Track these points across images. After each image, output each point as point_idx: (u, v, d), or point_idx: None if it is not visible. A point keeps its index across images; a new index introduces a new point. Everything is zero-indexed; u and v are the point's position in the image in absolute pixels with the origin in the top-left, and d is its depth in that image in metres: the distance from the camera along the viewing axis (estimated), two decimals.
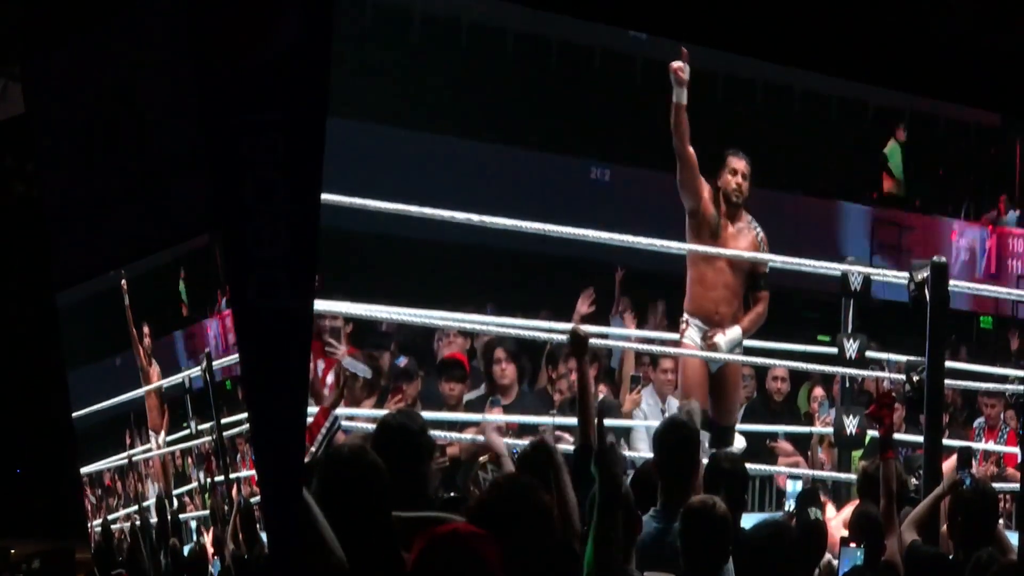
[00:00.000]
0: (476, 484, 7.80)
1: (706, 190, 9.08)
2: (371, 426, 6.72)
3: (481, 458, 8.00)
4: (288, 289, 5.57)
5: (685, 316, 9.15)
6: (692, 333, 9.09)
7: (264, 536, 6.12)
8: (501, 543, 5.03)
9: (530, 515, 5.27)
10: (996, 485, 9.51)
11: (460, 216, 8.43)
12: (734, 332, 9.13)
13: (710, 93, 12.73)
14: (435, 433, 7.54)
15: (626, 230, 9.15)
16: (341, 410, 7.87)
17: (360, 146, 11.16)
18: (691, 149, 8.92)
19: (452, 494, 6.63)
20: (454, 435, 8.09)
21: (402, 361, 9.39)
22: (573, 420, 8.09)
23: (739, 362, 9.15)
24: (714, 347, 9.05)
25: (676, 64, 8.85)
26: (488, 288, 10.81)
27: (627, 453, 8.94)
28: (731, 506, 6.77)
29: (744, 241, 9.17)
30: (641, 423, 9.34)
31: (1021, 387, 10.86)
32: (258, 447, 5.71)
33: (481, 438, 7.83)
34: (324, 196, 5.65)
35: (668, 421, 7.50)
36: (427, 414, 7.64)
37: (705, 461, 7.68)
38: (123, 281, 6.99)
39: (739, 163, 9.11)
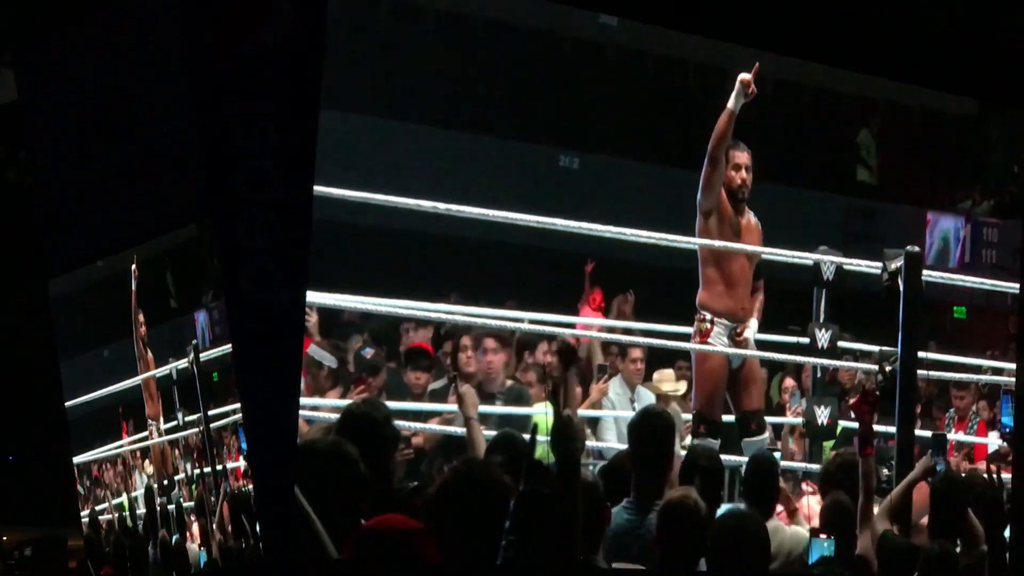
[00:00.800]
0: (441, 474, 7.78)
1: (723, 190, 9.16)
2: (336, 416, 6.70)
3: None
4: (280, 278, 5.65)
5: (708, 316, 9.20)
6: (719, 333, 9.10)
7: (253, 526, 6.19)
8: (437, 535, 5.10)
9: (485, 495, 5.30)
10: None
11: (426, 204, 8.41)
12: (755, 325, 9.25)
13: (680, 80, 12.74)
14: (400, 423, 7.55)
15: (596, 219, 9.13)
16: (305, 399, 7.84)
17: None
18: (723, 156, 9.04)
19: (415, 483, 6.65)
20: (419, 425, 8.08)
21: (368, 352, 9.37)
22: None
23: (718, 352, 9.16)
24: (746, 343, 9.17)
25: (746, 77, 8.87)
26: (453, 277, 10.79)
27: (595, 444, 8.95)
28: (707, 501, 6.80)
29: (755, 234, 9.25)
30: (610, 413, 9.34)
31: (996, 378, 10.95)
32: (250, 436, 5.80)
33: (448, 428, 7.82)
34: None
35: (643, 412, 7.52)
36: (392, 404, 7.63)
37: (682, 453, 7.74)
38: (133, 266, 6.99)
39: (742, 156, 9.24)
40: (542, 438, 8.12)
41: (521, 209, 8.88)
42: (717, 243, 9.23)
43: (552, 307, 9.37)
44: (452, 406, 8.16)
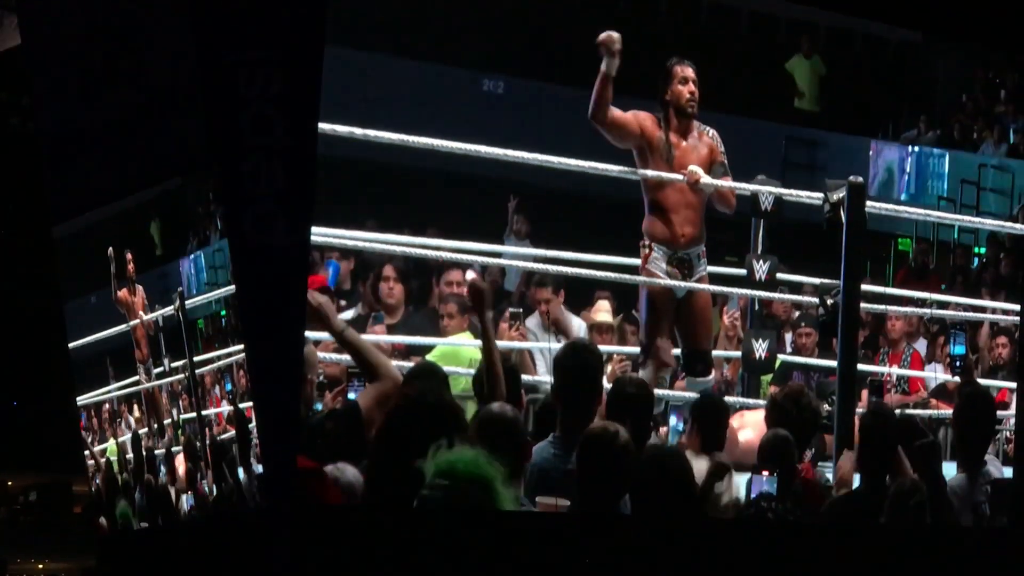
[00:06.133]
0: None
1: (647, 120, 9.14)
2: None
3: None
4: (284, 223, 5.73)
5: (647, 241, 9.21)
6: (657, 258, 9.10)
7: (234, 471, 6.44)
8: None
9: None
10: (916, 412, 9.66)
11: (342, 130, 8.31)
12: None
13: (613, 4, 12.69)
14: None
15: (521, 146, 9.07)
16: None
17: None
18: (612, 115, 8.98)
19: (323, 410, 6.67)
20: (333, 356, 8.01)
21: None
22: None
23: (671, 286, 9.16)
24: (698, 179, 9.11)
25: (603, 36, 8.78)
26: (371, 204, 10.71)
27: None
28: (635, 434, 6.78)
29: (699, 153, 9.22)
30: (535, 345, 9.29)
31: (942, 311, 10.99)
32: (254, 378, 5.88)
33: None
34: None
35: (569, 346, 7.49)
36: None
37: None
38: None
39: (688, 71, 9.17)
40: (464, 370, 8.17)
41: (441, 135, 8.78)
42: (651, 173, 9.18)
43: (474, 235, 9.28)
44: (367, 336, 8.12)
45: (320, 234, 8.31)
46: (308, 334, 7.23)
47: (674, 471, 6.63)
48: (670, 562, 6.59)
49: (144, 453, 7.40)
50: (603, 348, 8.52)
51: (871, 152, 14.12)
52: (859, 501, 7.47)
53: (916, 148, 14.45)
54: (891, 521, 7.25)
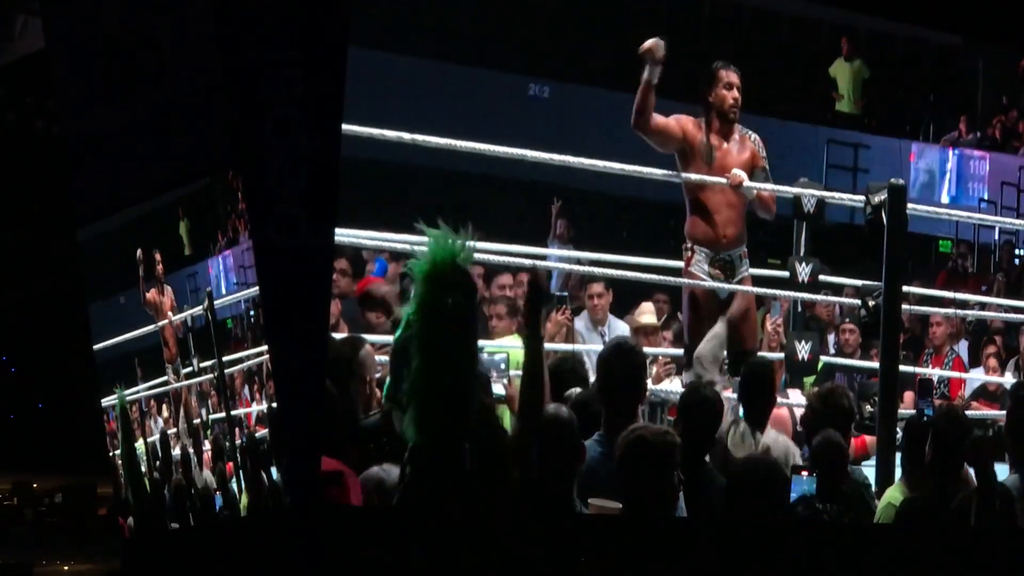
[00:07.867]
0: None
1: (688, 123, 9.07)
2: None
3: None
4: (308, 224, 5.75)
5: (689, 243, 9.15)
6: (699, 260, 9.11)
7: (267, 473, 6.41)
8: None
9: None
10: None
11: (390, 134, 8.34)
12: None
13: (653, 4, 12.71)
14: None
15: (567, 149, 9.08)
16: None
17: None
18: (654, 121, 8.91)
19: (371, 414, 6.71)
20: (385, 358, 8.05)
21: None
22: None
23: (716, 288, 9.15)
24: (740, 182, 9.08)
25: (648, 44, 8.77)
26: (418, 208, 10.74)
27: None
28: (702, 437, 6.85)
29: (740, 156, 9.15)
30: (579, 347, 9.28)
31: (983, 313, 10.99)
32: (279, 379, 5.92)
33: None
34: None
35: (615, 346, 7.41)
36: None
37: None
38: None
39: (733, 76, 9.11)
40: (514, 372, 8.17)
41: (488, 139, 8.79)
42: (695, 176, 9.16)
43: (518, 238, 9.30)
44: None
45: (364, 236, 8.35)
46: (365, 336, 7.27)
47: (769, 482, 6.61)
48: (725, 565, 6.56)
49: (173, 453, 7.41)
50: (647, 350, 8.53)
51: (912, 154, 14.14)
52: (928, 505, 7.41)
53: (957, 150, 14.48)
54: (980, 525, 7.20)
